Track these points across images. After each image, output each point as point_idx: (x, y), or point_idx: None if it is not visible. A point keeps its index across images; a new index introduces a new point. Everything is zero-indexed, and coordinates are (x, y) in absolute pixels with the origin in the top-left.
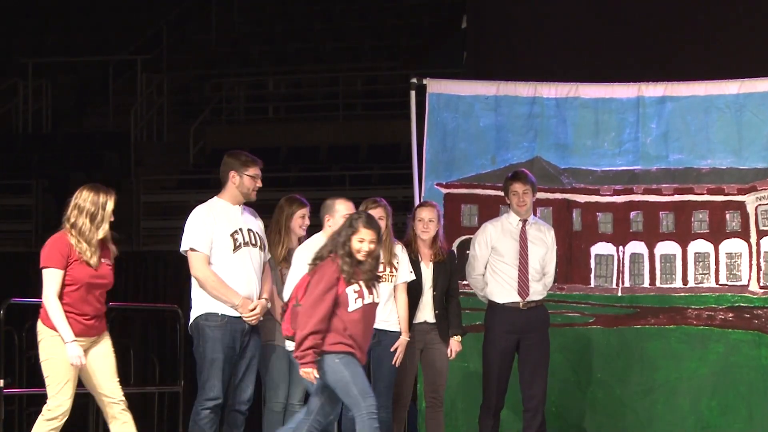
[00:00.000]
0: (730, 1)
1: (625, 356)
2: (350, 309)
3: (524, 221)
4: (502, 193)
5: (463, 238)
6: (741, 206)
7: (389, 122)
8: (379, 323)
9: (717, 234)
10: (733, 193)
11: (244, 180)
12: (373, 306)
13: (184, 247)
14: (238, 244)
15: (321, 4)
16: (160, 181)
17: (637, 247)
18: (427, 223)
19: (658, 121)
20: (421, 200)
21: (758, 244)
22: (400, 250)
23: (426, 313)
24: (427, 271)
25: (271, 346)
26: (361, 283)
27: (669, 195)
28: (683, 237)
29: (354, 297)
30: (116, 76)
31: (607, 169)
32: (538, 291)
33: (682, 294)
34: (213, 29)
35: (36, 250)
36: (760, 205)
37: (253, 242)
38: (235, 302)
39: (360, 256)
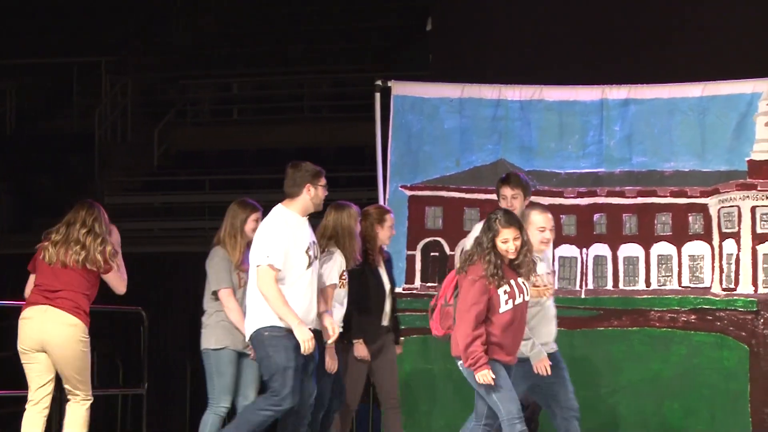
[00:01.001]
0: (693, 5)
1: (588, 358)
2: (501, 310)
3: None
4: (466, 195)
5: (427, 240)
6: (704, 209)
7: (355, 125)
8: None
9: (680, 236)
10: (696, 195)
11: (318, 191)
12: (524, 305)
13: (260, 261)
14: (311, 259)
15: (287, 7)
16: (125, 183)
17: (601, 249)
18: (391, 228)
19: (622, 123)
20: (386, 202)
21: (720, 247)
22: None
23: (387, 317)
24: (384, 275)
25: (226, 352)
26: (512, 282)
27: (632, 197)
28: (646, 239)
29: (505, 299)
30: (81, 78)
31: (571, 171)
32: None
33: (645, 296)
34: (178, 31)
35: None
36: (722, 207)
37: (317, 256)
38: (293, 325)
39: (510, 256)
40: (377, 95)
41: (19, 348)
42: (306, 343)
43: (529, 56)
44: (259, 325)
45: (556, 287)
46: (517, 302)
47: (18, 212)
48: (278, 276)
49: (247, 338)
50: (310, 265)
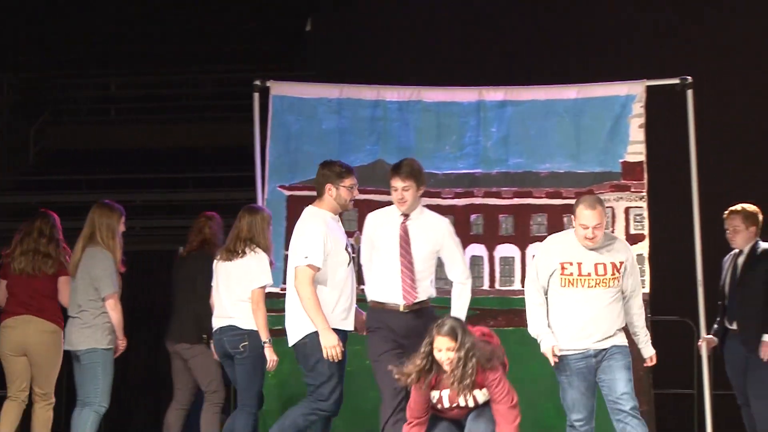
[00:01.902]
0: (568, 8)
1: None
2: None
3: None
4: None
5: None
6: None
7: (234, 124)
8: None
9: None
10: (570, 197)
11: (340, 192)
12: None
13: (298, 262)
14: (351, 258)
15: (167, 6)
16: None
17: (477, 249)
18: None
19: (499, 125)
20: (264, 203)
21: None
22: None
23: None
24: None
25: (112, 352)
26: (442, 393)
27: (508, 198)
28: (522, 240)
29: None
30: None
31: (449, 172)
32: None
33: (521, 296)
34: (56, 29)
35: None
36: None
37: (353, 255)
38: (320, 329)
39: (446, 368)
40: (256, 95)
41: (2, 352)
42: (330, 350)
43: (408, 57)
44: (311, 330)
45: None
46: (444, 406)
47: None
48: (320, 276)
49: (293, 343)
50: (350, 263)
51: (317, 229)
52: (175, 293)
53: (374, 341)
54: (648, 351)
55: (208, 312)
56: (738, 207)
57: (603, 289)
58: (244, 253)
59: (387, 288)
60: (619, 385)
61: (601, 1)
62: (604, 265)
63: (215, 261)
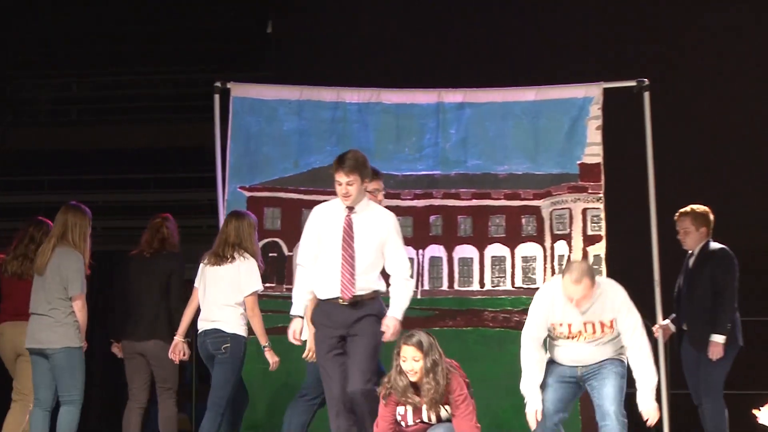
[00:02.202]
0: (526, 12)
1: None
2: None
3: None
4: (304, 197)
5: (266, 240)
6: (536, 211)
7: (194, 125)
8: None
9: (513, 238)
10: (529, 198)
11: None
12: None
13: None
14: None
15: (127, 7)
16: None
17: (436, 250)
18: None
19: (458, 126)
20: (225, 203)
21: (552, 248)
22: None
23: None
24: None
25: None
26: (409, 408)
27: (467, 200)
28: (480, 241)
29: (398, 418)
30: None
31: (408, 173)
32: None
33: (480, 296)
34: (17, 30)
35: None
36: (554, 210)
37: None
38: None
39: (411, 378)
40: (216, 97)
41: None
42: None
43: (368, 59)
44: None
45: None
46: (408, 426)
47: None
48: None
49: None
50: None
51: None
52: (135, 292)
53: (317, 340)
54: (644, 403)
55: (181, 310)
56: (687, 209)
57: (596, 340)
58: (233, 258)
59: (328, 282)
60: (606, 390)
61: (559, 5)
62: (593, 324)
63: (201, 265)
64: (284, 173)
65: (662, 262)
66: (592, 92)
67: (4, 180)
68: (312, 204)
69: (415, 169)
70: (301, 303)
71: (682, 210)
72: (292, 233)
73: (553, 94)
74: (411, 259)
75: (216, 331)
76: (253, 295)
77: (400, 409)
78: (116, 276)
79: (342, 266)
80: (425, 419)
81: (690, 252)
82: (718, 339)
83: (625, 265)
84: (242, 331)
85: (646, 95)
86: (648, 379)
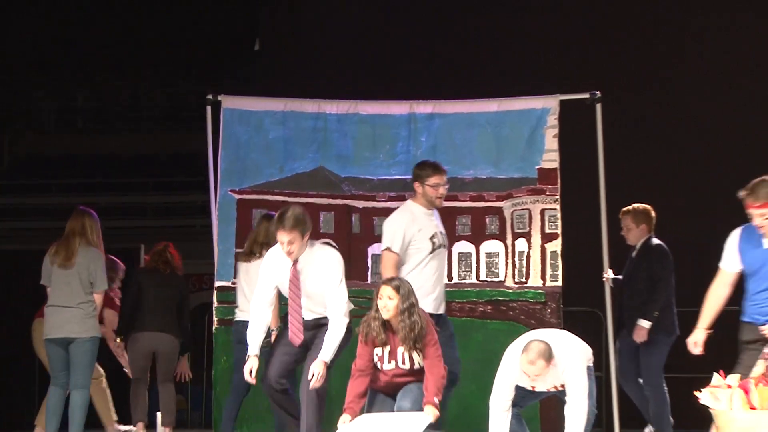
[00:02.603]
0: (490, 30)
1: None
2: (380, 367)
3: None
4: (289, 199)
5: None
6: (499, 211)
7: (188, 134)
8: None
9: (478, 236)
10: (492, 200)
11: (426, 189)
12: (396, 371)
13: (382, 247)
14: (434, 246)
15: (127, 29)
16: None
17: None
18: None
19: (428, 135)
20: (217, 205)
21: (513, 245)
22: None
23: None
24: None
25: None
26: (387, 348)
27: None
28: (449, 239)
29: (376, 360)
30: None
31: (383, 177)
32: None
33: (448, 289)
34: (28, 45)
35: None
36: (515, 210)
37: (444, 244)
38: None
39: (384, 315)
40: (209, 108)
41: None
42: None
43: (347, 74)
44: None
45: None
46: (385, 368)
47: None
48: (400, 261)
49: None
50: (433, 250)
51: (399, 219)
52: (150, 298)
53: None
54: None
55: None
56: (629, 207)
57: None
58: (260, 254)
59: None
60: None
61: (522, 23)
62: (555, 386)
63: (237, 262)
64: (270, 178)
65: (612, 257)
66: (550, 103)
67: (17, 183)
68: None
69: (389, 173)
70: (256, 343)
71: (624, 209)
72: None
73: (514, 106)
74: None
75: (248, 323)
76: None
77: (378, 351)
78: (127, 283)
79: (290, 314)
80: (400, 362)
81: (633, 246)
82: (644, 323)
83: (579, 259)
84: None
85: (598, 106)
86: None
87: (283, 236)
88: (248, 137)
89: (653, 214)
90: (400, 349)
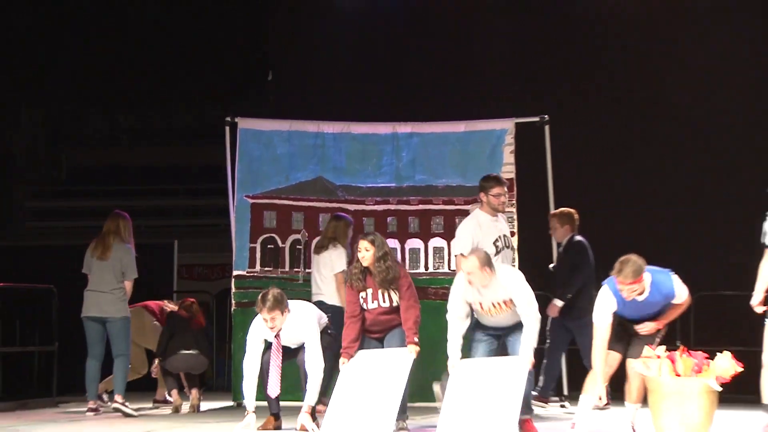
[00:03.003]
0: (461, 63)
1: None
2: (364, 307)
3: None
4: (293, 203)
5: (265, 236)
6: (466, 213)
7: (212, 149)
8: None
9: (449, 233)
10: (461, 204)
11: (489, 198)
12: (379, 310)
13: (455, 252)
14: (498, 249)
15: (163, 62)
16: (40, 191)
17: (393, 243)
18: None
19: (408, 151)
20: (234, 208)
21: None
22: None
23: None
24: None
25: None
26: (369, 291)
27: (415, 205)
28: (425, 236)
29: (361, 302)
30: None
31: (371, 185)
32: None
33: (425, 277)
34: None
35: None
36: None
37: (508, 245)
38: None
39: (364, 263)
40: (227, 128)
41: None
42: None
43: (341, 100)
44: None
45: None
46: (370, 307)
47: None
48: None
49: None
50: (497, 253)
51: (467, 227)
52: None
53: None
54: (523, 355)
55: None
56: (557, 211)
57: (506, 312)
58: (327, 248)
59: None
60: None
61: (487, 58)
62: (497, 303)
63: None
64: (278, 185)
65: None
66: (507, 125)
67: (72, 190)
68: (299, 209)
69: (376, 182)
70: (253, 398)
71: (552, 212)
72: (285, 230)
73: (478, 127)
74: None
75: (320, 303)
76: (340, 273)
77: (362, 294)
78: None
79: (273, 368)
80: (381, 302)
81: (559, 243)
82: (557, 303)
83: (532, 253)
84: (339, 302)
85: (547, 128)
86: (529, 340)
87: (265, 314)
88: (260, 152)
89: (576, 216)
90: (380, 291)
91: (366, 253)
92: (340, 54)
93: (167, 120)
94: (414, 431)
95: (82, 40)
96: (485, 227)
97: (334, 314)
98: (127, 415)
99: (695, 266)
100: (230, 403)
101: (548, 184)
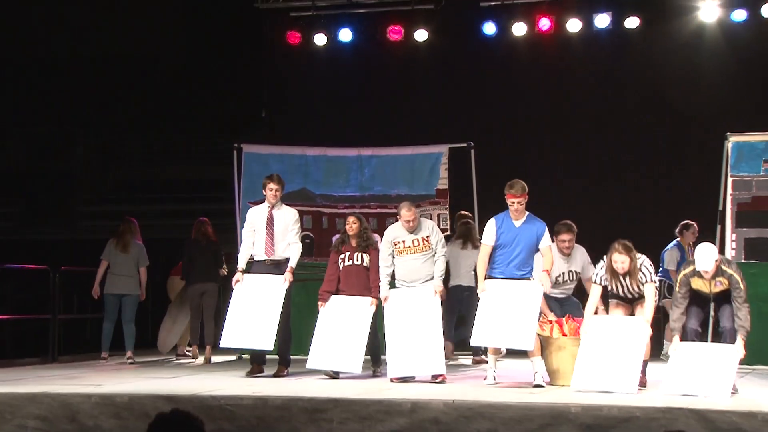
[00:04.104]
0: (413, 101)
1: None
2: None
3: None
4: None
5: None
6: None
7: (222, 168)
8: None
9: None
10: None
11: (558, 244)
12: (354, 267)
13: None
14: (560, 282)
15: (181, 100)
16: (92, 199)
17: None
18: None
19: (369, 168)
20: (240, 211)
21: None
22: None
23: None
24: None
25: None
26: (348, 252)
27: (374, 208)
28: (381, 232)
29: (340, 262)
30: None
31: (341, 194)
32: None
33: None
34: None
35: None
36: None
37: (568, 280)
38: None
39: (350, 232)
40: (234, 152)
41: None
42: None
43: (319, 131)
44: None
45: None
46: (346, 264)
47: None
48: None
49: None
50: (554, 285)
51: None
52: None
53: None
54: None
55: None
56: (459, 213)
57: (420, 254)
58: (466, 246)
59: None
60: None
61: (428, 97)
62: (418, 239)
63: None
64: None
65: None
66: (443, 149)
67: (114, 197)
68: None
69: (345, 192)
70: (243, 263)
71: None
72: None
73: (421, 150)
74: None
75: (458, 286)
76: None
77: (342, 255)
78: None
79: (266, 241)
80: (356, 260)
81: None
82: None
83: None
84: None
85: (473, 152)
86: (438, 273)
87: (272, 185)
88: (259, 170)
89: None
90: (357, 253)
91: (354, 224)
92: (317, 97)
93: (189, 145)
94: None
95: (129, 87)
96: (556, 261)
97: (470, 293)
98: (133, 364)
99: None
100: (233, 357)
101: (473, 194)
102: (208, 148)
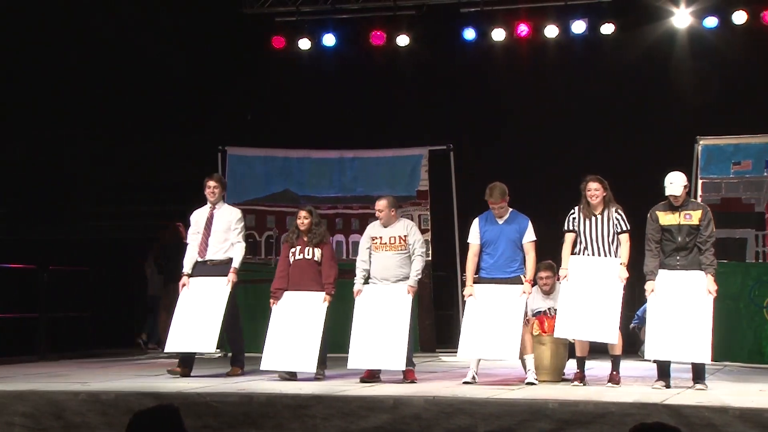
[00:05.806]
0: (394, 105)
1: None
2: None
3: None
4: (267, 209)
5: (246, 232)
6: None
7: (209, 169)
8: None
9: None
10: None
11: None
12: (303, 261)
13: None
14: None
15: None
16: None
17: (339, 237)
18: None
19: (351, 170)
20: None
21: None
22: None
23: None
24: None
25: None
26: (299, 246)
27: (357, 209)
28: (363, 231)
29: (290, 256)
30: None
31: (325, 195)
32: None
33: None
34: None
35: None
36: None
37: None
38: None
39: (302, 228)
40: (219, 154)
41: None
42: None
43: (302, 133)
44: None
45: None
46: (296, 258)
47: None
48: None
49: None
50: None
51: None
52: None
53: None
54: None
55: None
56: None
57: (394, 251)
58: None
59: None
60: None
61: (410, 101)
62: (395, 237)
63: None
64: (257, 195)
65: (461, 246)
66: (423, 152)
67: (113, 197)
68: (272, 213)
69: (328, 193)
70: (189, 266)
71: None
72: (261, 228)
73: (402, 153)
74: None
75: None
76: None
77: (293, 249)
78: None
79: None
80: (307, 255)
81: None
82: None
83: (441, 243)
84: None
85: (452, 154)
86: (414, 272)
87: (210, 183)
88: (243, 171)
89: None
90: (307, 248)
91: (305, 219)
92: (301, 100)
93: (170, 147)
94: (330, 376)
95: (123, 94)
96: (536, 299)
97: None
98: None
99: None
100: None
101: (453, 194)
102: (197, 151)
